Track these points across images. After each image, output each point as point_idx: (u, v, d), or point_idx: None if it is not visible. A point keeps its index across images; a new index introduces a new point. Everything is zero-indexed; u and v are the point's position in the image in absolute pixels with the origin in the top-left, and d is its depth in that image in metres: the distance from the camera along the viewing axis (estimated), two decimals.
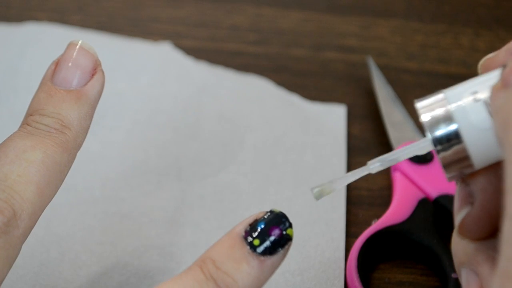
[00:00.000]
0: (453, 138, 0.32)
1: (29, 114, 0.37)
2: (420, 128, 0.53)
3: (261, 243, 0.33)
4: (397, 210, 0.48)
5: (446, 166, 0.33)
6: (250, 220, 0.34)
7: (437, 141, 0.32)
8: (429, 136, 0.32)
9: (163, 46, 0.59)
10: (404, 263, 0.48)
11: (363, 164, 0.54)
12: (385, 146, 0.53)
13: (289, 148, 0.53)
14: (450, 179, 0.33)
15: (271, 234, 0.34)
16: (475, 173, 0.33)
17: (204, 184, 0.51)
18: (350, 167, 0.53)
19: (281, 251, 0.34)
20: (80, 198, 0.50)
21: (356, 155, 0.54)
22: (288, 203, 0.50)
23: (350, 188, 0.52)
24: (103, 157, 0.52)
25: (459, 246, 0.34)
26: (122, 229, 0.48)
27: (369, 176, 0.53)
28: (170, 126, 0.54)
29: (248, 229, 0.34)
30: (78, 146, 0.37)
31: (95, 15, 0.62)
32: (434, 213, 0.48)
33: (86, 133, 0.38)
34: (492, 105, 0.30)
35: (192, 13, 0.63)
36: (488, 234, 0.33)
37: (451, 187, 0.49)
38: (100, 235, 0.48)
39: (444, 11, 0.65)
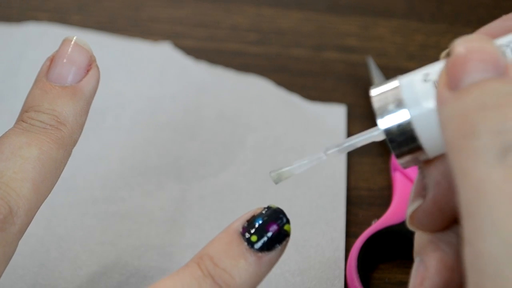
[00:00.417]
0: (402, 121, 0.31)
1: (24, 110, 0.37)
2: None
3: (259, 239, 0.33)
4: (397, 210, 0.48)
5: (396, 149, 0.32)
6: (248, 216, 0.34)
7: (386, 124, 0.31)
8: (379, 121, 0.31)
9: (163, 46, 0.59)
10: (404, 263, 0.48)
11: (363, 163, 0.54)
12: (385, 146, 0.53)
13: (289, 148, 0.53)
14: (403, 165, 0.32)
15: (269, 230, 0.33)
16: (431, 166, 0.32)
17: (204, 184, 0.51)
18: (350, 167, 0.53)
19: (278, 247, 0.34)
20: (80, 198, 0.50)
21: (356, 155, 0.53)
22: (288, 203, 0.50)
23: (350, 188, 0.51)
24: (103, 157, 0.52)
25: (416, 235, 0.34)
26: (122, 229, 0.48)
27: (369, 176, 0.53)
28: (170, 126, 0.54)
29: (245, 225, 0.33)
30: (74, 142, 0.37)
31: (95, 15, 0.62)
32: None
33: (82, 129, 0.37)
34: (440, 114, 0.29)
35: (192, 13, 0.63)
36: (440, 228, 0.33)
37: None
38: (100, 235, 0.48)
39: (444, 11, 0.65)
